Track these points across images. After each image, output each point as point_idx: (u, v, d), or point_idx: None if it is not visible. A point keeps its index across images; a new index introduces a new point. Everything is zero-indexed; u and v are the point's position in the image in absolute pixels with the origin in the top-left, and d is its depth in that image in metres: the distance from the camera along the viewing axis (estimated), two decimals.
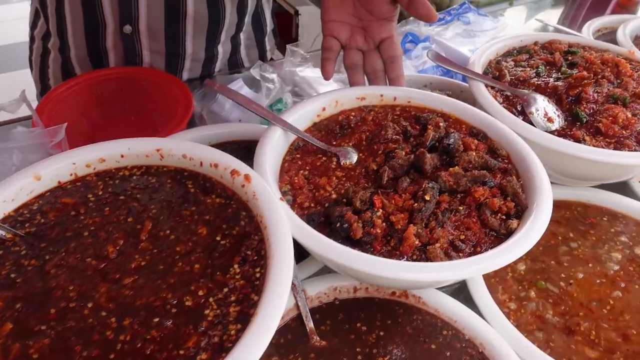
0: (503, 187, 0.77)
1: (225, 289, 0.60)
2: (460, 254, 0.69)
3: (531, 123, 0.92)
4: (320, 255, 0.66)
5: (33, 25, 1.42)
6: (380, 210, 0.72)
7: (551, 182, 0.97)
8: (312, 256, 0.80)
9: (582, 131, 0.91)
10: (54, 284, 0.60)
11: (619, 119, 0.90)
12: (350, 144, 0.87)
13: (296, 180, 0.78)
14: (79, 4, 1.21)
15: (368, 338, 0.75)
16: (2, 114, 1.02)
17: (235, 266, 0.63)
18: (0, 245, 0.64)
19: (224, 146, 1.07)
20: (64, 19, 1.27)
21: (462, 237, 0.71)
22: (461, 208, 0.74)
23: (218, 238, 0.66)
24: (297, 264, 0.81)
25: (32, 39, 1.44)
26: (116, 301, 0.59)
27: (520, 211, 0.74)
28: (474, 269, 0.64)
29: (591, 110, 0.94)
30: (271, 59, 1.65)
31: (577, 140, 0.89)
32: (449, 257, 0.68)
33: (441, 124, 0.86)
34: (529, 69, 1.04)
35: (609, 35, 1.56)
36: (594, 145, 0.87)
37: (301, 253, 0.79)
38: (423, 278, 0.62)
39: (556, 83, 0.99)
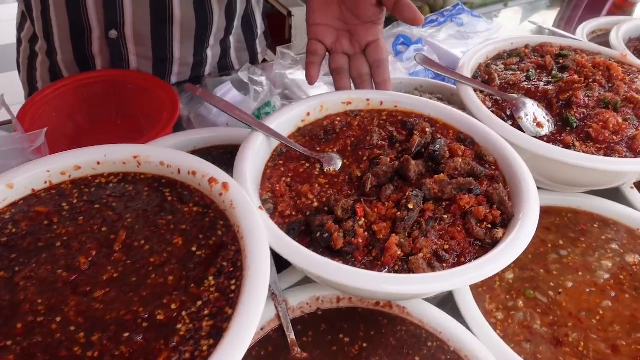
0: (489, 195, 0.75)
1: (199, 302, 0.59)
2: (444, 265, 0.68)
3: (520, 128, 0.90)
4: (298, 267, 0.64)
5: (20, 28, 1.40)
6: (363, 219, 0.71)
7: (541, 188, 0.96)
8: (294, 265, 0.78)
9: (572, 136, 0.89)
10: (22, 297, 0.58)
11: (609, 124, 0.88)
12: (335, 150, 0.85)
13: (278, 188, 0.76)
14: (64, 8, 1.20)
15: (351, 350, 0.73)
16: None
17: (210, 278, 0.61)
18: None
19: (209, 151, 1.05)
20: (50, 22, 1.25)
21: (446, 246, 0.69)
22: (446, 217, 0.72)
23: (194, 249, 0.65)
24: (279, 274, 0.79)
25: (19, 41, 1.42)
26: (86, 315, 0.57)
27: (507, 220, 0.73)
28: (456, 280, 0.62)
29: (582, 115, 0.92)
30: (264, 60, 1.63)
31: (567, 145, 0.87)
32: (432, 268, 0.66)
33: (427, 130, 0.84)
34: (519, 72, 1.03)
35: (604, 37, 1.55)
36: (583, 151, 0.86)
37: (283, 262, 0.77)
38: (403, 291, 0.60)
39: (546, 87, 0.97)
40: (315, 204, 0.74)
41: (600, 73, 1.00)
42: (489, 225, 0.72)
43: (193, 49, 1.31)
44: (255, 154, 0.78)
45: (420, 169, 0.78)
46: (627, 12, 2.07)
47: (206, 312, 0.58)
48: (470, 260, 0.68)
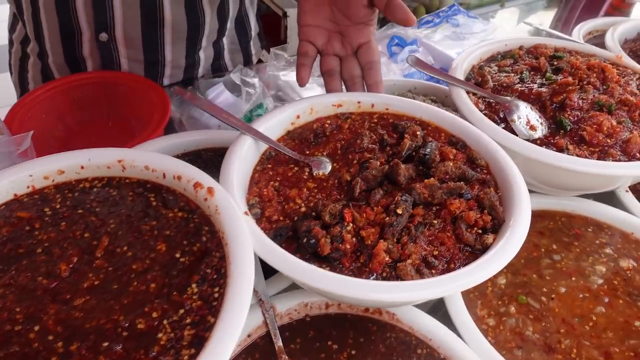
0: (480, 200, 0.74)
1: (181, 311, 0.57)
2: (433, 271, 0.66)
3: (514, 131, 0.89)
4: (283, 274, 0.62)
5: (12, 29, 1.39)
6: (351, 225, 0.69)
7: (535, 192, 0.95)
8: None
9: (566, 139, 0.88)
10: (0, 305, 0.57)
11: (603, 127, 0.87)
12: (325, 154, 0.84)
13: (265, 192, 0.75)
14: (54, 11, 1.19)
15: (339, 357, 0.72)
16: None
17: (194, 285, 0.60)
18: None
19: (200, 153, 1.04)
20: (40, 24, 1.24)
21: (436, 252, 0.68)
22: (436, 222, 0.71)
23: (177, 255, 0.63)
24: (267, 279, 0.78)
25: (11, 42, 1.41)
26: (65, 324, 0.56)
27: (497, 225, 0.71)
28: (444, 288, 0.61)
29: (575, 118, 0.91)
30: (260, 61, 1.61)
31: (560, 149, 0.86)
32: (421, 274, 0.65)
33: (418, 133, 0.83)
34: (512, 74, 1.01)
35: (601, 38, 1.53)
36: (577, 155, 0.84)
37: (271, 268, 0.75)
38: (389, 299, 0.59)
39: (540, 89, 0.96)
40: (303, 209, 0.73)
41: (594, 75, 0.99)
42: (480, 231, 0.71)
43: (185, 51, 1.30)
44: (243, 157, 0.77)
45: (411, 173, 0.77)
46: (624, 13, 2.06)
47: (188, 320, 0.56)
48: (459, 267, 0.67)
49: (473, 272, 0.63)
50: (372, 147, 0.83)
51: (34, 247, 0.64)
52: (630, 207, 0.96)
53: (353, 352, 0.72)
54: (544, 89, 0.96)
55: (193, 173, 0.70)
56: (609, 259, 0.88)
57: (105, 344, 0.54)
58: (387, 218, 0.69)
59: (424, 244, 0.68)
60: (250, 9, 1.47)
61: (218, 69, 1.46)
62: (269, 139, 0.81)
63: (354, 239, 0.68)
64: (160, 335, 0.55)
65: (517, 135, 0.87)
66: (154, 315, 0.57)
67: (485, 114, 0.91)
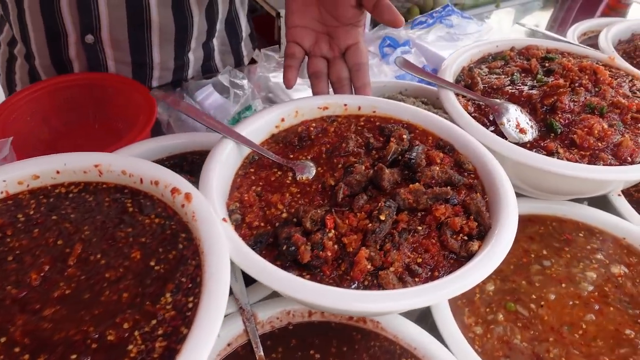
0: (466, 205, 0.72)
1: (154, 321, 0.56)
2: (417, 279, 0.64)
3: (503, 135, 0.87)
4: (262, 282, 0.61)
5: None
6: (332, 231, 0.68)
7: (525, 196, 0.93)
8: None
9: (556, 143, 0.86)
10: None
11: (594, 130, 0.85)
12: (309, 157, 0.82)
13: (246, 198, 0.73)
14: (39, 13, 1.17)
15: None
16: None
17: (168, 295, 0.58)
18: None
19: (185, 157, 1.03)
20: (26, 26, 1.22)
21: (419, 260, 0.66)
22: (420, 228, 0.69)
23: (152, 263, 0.62)
24: (248, 287, 0.76)
25: None
26: (33, 335, 0.54)
27: (484, 231, 0.70)
28: (427, 297, 0.59)
29: (566, 121, 0.89)
30: (253, 61, 1.59)
31: (550, 152, 0.84)
32: (403, 283, 0.63)
33: (405, 136, 0.81)
34: (503, 76, 1.00)
35: (596, 39, 1.51)
36: (567, 158, 0.83)
37: None
38: (369, 309, 0.57)
39: (531, 91, 0.94)
40: (285, 215, 0.71)
41: (586, 77, 0.97)
42: (465, 237, 0.69)
43: (174, 53, 1.28)
44: (224, 162, 0.75)
45: (396, 177, 0.75)
46: (620, 14, 2.04)
47: (160, 331, 0.55)
48: (443, 275, 0.65)
49: (457, 280, 0.62)
50: (358, 150, 0.82)
51: (4, 254, 0.62)
52: (623, 211, 0.94)
53: None
54: (534, 91, 0.94)
55: (171, 178, 0.68)
56: (600, 265, 0.86)
57: (74, 356, 0.52)
58: (370, 224, 0.67)
59: (408, 251, 0.67)
60: (241, 9, 1.45)
61: (208, 70, 1.44)
62: (251, 142, 0.79)
63: (336, 246, 0.66)
64: (130, 347, 0.53)
65: (506, 139, 0.86)
66: (125, 326, 0.55)
67: (474, 117, 0.89)
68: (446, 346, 0.72)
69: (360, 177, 0.74)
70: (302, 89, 1.32)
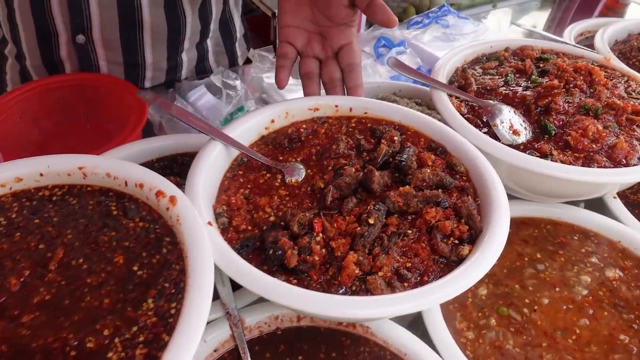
0: (457, 209, 0.71)
1: (135, 328, 0.54)
2: (406, 284, 0.63)
3: (496, 136, 0.86)
4: (247, 288, 0.59)
5: None
6: (320, 235, 0.66)
7: (519, 198, 0.92)
8: None
9: (550, 145, 0.85)
10: None
11: (588, 132, 0.84)
12: (299, 160, 0.81)
13: (234, 201, 0.72)
14: (29, 13, 1.16)
15: None
16: None
17: (150, 301, 0.57)
18: None
19: (176, 158, 1.01)
20: (16, 26, 1.21)
21: (409, 264, 0.65)
22: (410, 232, 0.68)
23: (135, 268, 0.60)
24: (235, 291, 0.75)
25: None
26: (10, 342, 0.53)
27: (474, 235, 0.68)
28: (415, 303, 0.58)
29: (561, 122, 0.88)
30: (248, 61, 1.58)
31: (544, 154, 0.83)
32: (392, 288, 0.62)
33: (396, 138, 0.80)
34: (497, 77, 0.98)
35: (593, 39, 1.50)
36: (561, 160, 0.81)
37: None
38: (356, 315, 0.56)
39: (525, 92, 0.93)
40: (272, 218, 0.70)
41: (581, 78, 0.96)
42: (456, 241, 0.68)
43: (166, 54, 1.27)
44: (211, 164, 0.74)
45: (386, 180, 0.74)
46: (618, 14, 2.03)
47: (141, 338, 0.53)
48: (433, 280, 0.64)
49: (446, 285, 0.60)
50: (349, 152, 0.80)
51: None
52: (618, 214, 0.93)
53: None
54: (528, 92, 0.92)
55: (156, 181, 0.67)
56: (595, 269, 0.85)
57: None
58: (359, 228, 0.66)
59: (397, 256, 0.65)
60: (235, 10, 1.44)
61: (202, 71, 1.43)
62: (239, 144, 0.78)
63: (324, 250, 0.65)
64: (110, 354, 0.52)
65: (499, 141, 0.84)
66: (106, 333, 0.54)
67: (467, 118, 0.88)
68: (437, 352, 0.71)
69: (349, 180, 0.73)
70: (296, 89, 1.31)
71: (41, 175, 0.69)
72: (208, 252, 0.59)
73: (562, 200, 0.91)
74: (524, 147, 0.85)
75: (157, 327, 0.54)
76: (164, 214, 0.65)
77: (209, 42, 1.40)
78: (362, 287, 0.62)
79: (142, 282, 0.59)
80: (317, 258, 0.64)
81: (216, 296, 0.73)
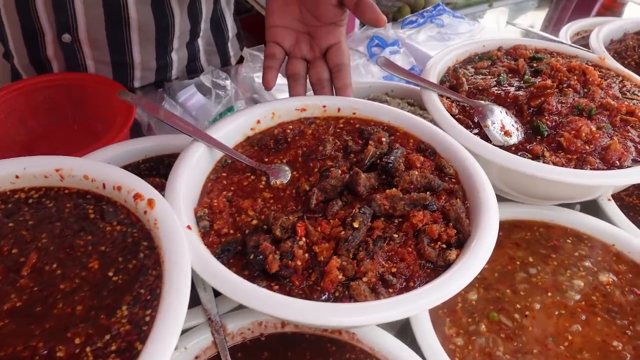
0: (446, 212, 0.69)
1: (107, 336, 0.52)
2: (390, 290, 0.61)
3: (488, 137, 0.84)
4: (225, 295, 0.57)
5: None
6: (303, 239, 0.64)
7: (512, 201, 0.90)
8: None
9: (542, 146, 0.83)
10: None
11: (582, 133, 0.82)
12: (285, 161, 0.79)
13: (216, 203, 0.70)
14: (15, 11, 1.14)
15: None
16: None
17: (124, 308, 0.55)
18: None
19: (162, 159, 0.99)
20: (3, 25, 1.20)
21: (394, 269, 0.63)
22: (396, 236, 0.66)
23: (110, 273, 0.58)
24: (217, 297, 0.73)
25: None
26: None
27: (462, 239, 0.66)
28: (399, 310, 0.56)
29: (553, 123, 0.86)
30: (242, 59, 1.56)
31: (536, 156, 0.81)
32: (376, 294, 0.60)
33: (384, 139, 0.78)
34: (489, 76, 0.96)
35: (589, 39, 1.48)
36: (553, 162, 0.79)
37: None
38: (337, 323, 0.54)
39: (517, 92, 0.91)
40: (255, 222, 0.68)
41: (575, 77, 0.94)
42: (444, 245, 0.66)
43: (155, 53, 1.25)
44: (194, 166, 0.72)
45: (372, 182, 0.72)
46: (616, 13, 2.01)
47: (114, 347, 0.52)
48: (419, 285, 0.62)
49: (431, 292, 0.58)
50: (335, 154, 0.79)
51: None
52: (612, 216, 0.91)
53: None
54: (521, 92, 0.91)
55: (134, 183, 0.65)
56: (588, 273, 0.83)
57: None
58: (343, 232, 0.64)
59: (382, 260, 0.63)
60: (227, 8, 1.42)
61: (194, 70, 1.41)
62: (223, 145, 0.76)
63: (307, 254, 0.63)
64: None
65: (491, 142, 0.82)
66: (77, 341, 0.52)
67: (458, 119, 0.86)
68: (424, 359, 0.69)
69: (335, 182, 0.71)
70: (287, 89, 1.29)
71: (17, 177, 0.67)
72: (185, 257, 0.57)
73: (554, 202, 0.89)
74: (515, 149, 0.83)
75: (130, 335, 0.53)
76: (141, 217, 0.64)
77: (200, 41, 1.38)
78: (345, 293, 0.60)
79: (117, 288, 0.57)
80: (299, 263, 0.62)
81: (198, 301, 0.72)
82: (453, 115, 0.87)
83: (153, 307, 0.55)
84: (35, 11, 1.11)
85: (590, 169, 0.78)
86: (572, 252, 0.87)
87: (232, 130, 0.81)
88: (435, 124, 0.84)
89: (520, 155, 0.80)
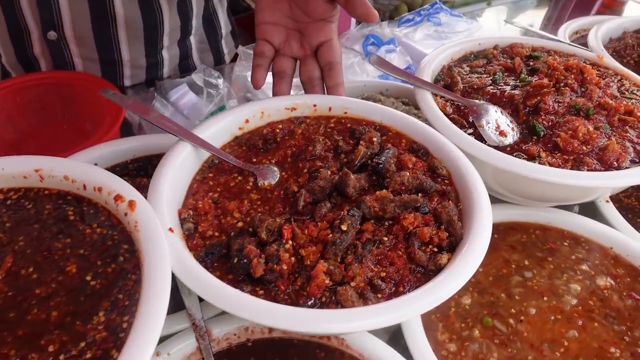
0: (438, 214, 0.67)
1: (82, 344, 0.50)
2: (379, 295, 0.59)
3: (483, 137, 0.82)
4: (207, 301, 0.55)
5: None
6: (290, 243, 0.62)
7: (507, 202, 0.88)
8: None
9: (538, 146, 0.81)
10: None
11: (579, 133, 0.80)
12: (273, 161, 0.77)
13: (201, 205, 0.68)
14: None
15: None
16: None
17: (101, 314, 0.53)
18: None
19: (151, 159, 0.97)
20: None
21: (383, 274, 0.61)
22: (386, 239, 0.64)
23: (88, 278, 0.56)
24: (202, 301, 0.71)
25: None
26: None
27: (454, 242, 0.64)
28: (387, 317, 0.54)
29: (550, 123, 0.84)
30: (237, 56, 1.54)
31: (532, 156, 0.79)
32: (364, 299, 0.58)
33: (375, 139, 0.76)
34: (485, 75, 0.94)
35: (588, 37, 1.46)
36: (549, 163, 0.77)
37: None
38: (322, 330, 0.52)
39: (513, 92, 0.89)
40: (240, 224, 0.66)
41: (572, 76, 0.92)
42: (435, 249, 0.64)
43: (144, 50, 1.23)
44: (179, 166, 0.70)
45: (362, 183, 0.70)
46: (616, 12, 1.99)
47: (89, 355, 0.50)
48: (408, 290, 0.60)
49: (421, 297, 0.56)
50: (326, 154, 0.77)
51: None
52: (610, 218, 0.89)
53: None
54: (517, 91, 0.88)
55: (115, 184, 0.63)
56: (585, 277, 0.81)
57: None
58: (330, 235, 0.62)
59: (372, 264, 0.61)
60: (219, 6, 1.40)
61: (186, 68, 1.39)
62: (209, 145, 0.74)
63: (293, 258, 0.61)
64: None
65: (485, 142, 0.80)
66: (50, 349, 0.50)
67: (452, 118, 0.84)
68: None
69: (323, 183, 0.69)
70: None
71: None
72: (165, 261, 0.55)
73: (551, 204, 0.87)
74: (510, 149, 0.81)
75: (106, 342, 0.50)
76: (122, 219, 0.61)
77: (192, 39, 1.36)
78: (332, 298, 0.58)
79: (95, 293, 0.55)
80: (285, 267, 0.60)
81: (182, 306, 0.70)
82: (447, 115, 0.85)
83: (131, 313, 0.52)
84: (20, 9, 1.09)
85: (588, 170, 0.76)
86: (569, 255, 0.84)
87: (220, 130, 0.79)
88: (429, 123, 0.82)
89: (515, 156, 0.78)
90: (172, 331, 0.68)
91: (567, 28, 1.42)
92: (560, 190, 0.78)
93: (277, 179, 0.73)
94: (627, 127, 0.85)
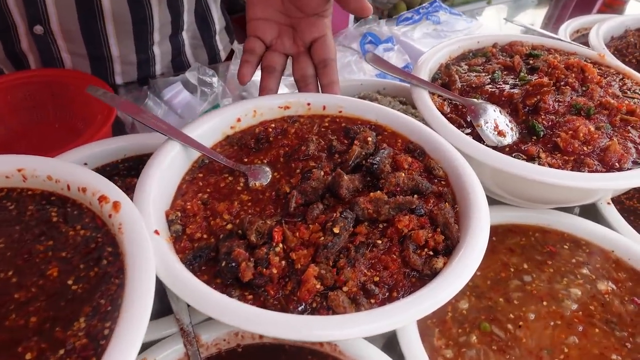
0: (433, 216, 0.64)
1: (61, 351, 0.48)
2: (372, 300, 0.57)
3: (480, 137, 0.80)
4: (193, 306, 0.53)
5: None
6: (280, 246, 0.60)
7: (505, 204, 0.86)
8: None
9: (538, 146, 0.79)
10: None
11: (579, 133, 0.78)
12: (265, 161, 0.75)
13: (189, 206, 0.66)
14: None
15: None
16: None
17: (82, 320, 0.51)
18: None
19: (142, 159, 0.95)
20: None
21: (376, 278, 0.59)
22: (380, 242, 0.62)
23: (70, 282, 0.54)
24: (190, 306, 0.68)
25: None
26: None
27: (451, 246, 0.62)
28: (379, 324, 0.52)
29: (550, 122, 0.82)
30: (233, 53, 1.52)
31: (531, 157, 0.77)
32: (357, 305, 0.56)
33: (370, 139, 0.74)
34: (483, 74, 0.92)
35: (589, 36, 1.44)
36: (549, 164, 0.75)
37: None
38: (311, 337, 0.50)
39: (512, 90, 0.87)
40: (229, 226, 0.64)
41: (573, 75, 0.89)
42: (431, 252, 0.62)
43: (134, 46, 1.20)
44: (167, 166, 0.68)
45: (356, 185, 0.68)
46: (617, 11, 1.96)
47: None
48: (402, 296, 0.57)
49: (416, 303, 0.54)
50: (319, 154, 0.74)
51: None
52: (612, 221, 0.86)
53: None
54: (516, 90, 0.86)
55: (100, 184, 0.61)
56: (586, 281, 0.79)
57: None
58: (322, 238, 0.60)
59: (365, 268, 0.59)
60: (213, 1, 1.37)
61: (180, 66, 1.37)
62: (199, 144, 0.72)
63: (283, 262, 0.59)
64: None
65: (483, 142, 0.78)
66: (28, 357, 0.48)
67: (450, 118, 0.82)
68: None
69: (316, 184, 0.67)
70: (280, 87, 1.25)
71: None
72: (150, 265, 0.53)
73: (550, 206, 0.85)
74: (509, 149, 0.79)
75: (86, 350, 0.48)
76: (107, 221, 0.59)
77: (184, 34, 1.33)
78: (323, 303, 0.56)
79: (76, 298, 0.53)
80: (275, 271, 0.58)
81: (171, 310, 0.68)
82: (444, 114, 0.82)
83: (113, 319, 0.50)
84: (5, 3, 1.07)
85: (588, 171, 0.74)
86: (569, 258, 0.82)
87: (211, 129, 0.76)
88: (425, 123, 0.80)
89: (514, 157, 0.76)
90: (159, 336, 0.66)
91: (568, 27, 1.39)
92: (560, 192, 0.76)
93: (268, 180, 0.71)
94: (629, 127, 0.83)
